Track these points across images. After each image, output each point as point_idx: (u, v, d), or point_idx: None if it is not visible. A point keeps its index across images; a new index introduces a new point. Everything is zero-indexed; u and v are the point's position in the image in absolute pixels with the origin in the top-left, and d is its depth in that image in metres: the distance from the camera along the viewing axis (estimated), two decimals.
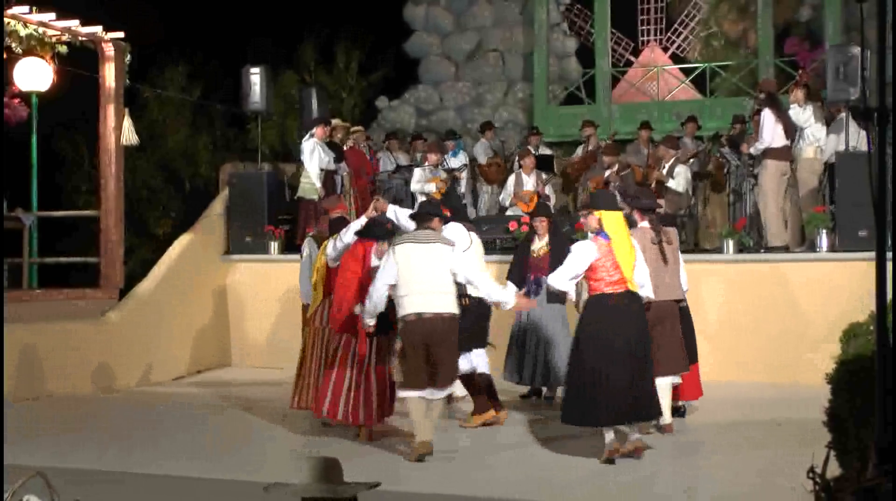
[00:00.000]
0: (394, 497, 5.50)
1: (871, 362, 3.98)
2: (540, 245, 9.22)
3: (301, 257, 9.12)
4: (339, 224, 8.23)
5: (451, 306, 6.97)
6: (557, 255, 8.95)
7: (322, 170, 12.33)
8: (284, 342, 10.72)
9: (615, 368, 6.67)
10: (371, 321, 7.13)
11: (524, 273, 9.12)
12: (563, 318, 9.13)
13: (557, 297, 8.40)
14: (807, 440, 5.11)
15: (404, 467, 6.87)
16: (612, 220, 6.90)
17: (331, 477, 3.90)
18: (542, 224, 9.22)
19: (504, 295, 7.36)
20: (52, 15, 11.10)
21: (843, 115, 11.26)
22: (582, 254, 6.86)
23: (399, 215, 7.99)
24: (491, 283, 7.33)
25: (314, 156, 12.20)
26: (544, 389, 9.52)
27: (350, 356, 7.47)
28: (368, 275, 7.27)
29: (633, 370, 6.72)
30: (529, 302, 8.07)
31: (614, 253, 6.78)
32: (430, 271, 6.92)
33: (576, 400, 6.83)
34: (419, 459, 6.89)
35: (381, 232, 7.47)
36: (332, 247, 7.93)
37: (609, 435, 6.77)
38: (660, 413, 7.19)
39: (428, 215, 7.27)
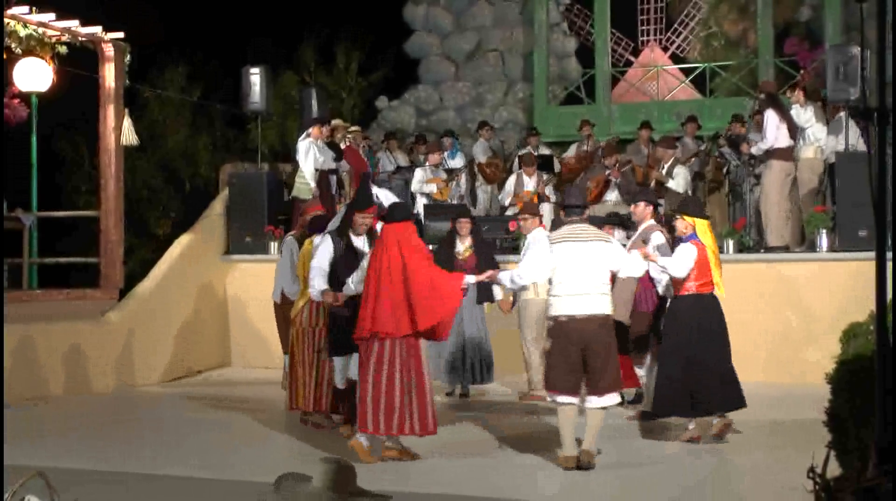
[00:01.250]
0: (401, 498, 5.49)
1: (871, 362, 3.97)
2: (464, 247, 9.35)
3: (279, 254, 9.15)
4: (318, 223, 8.16)
5: (605, 308, 6.71)
6: (482, 256, 9.24)
7: (317, 170, 12.32)
8: None
9: (707, 362, 7.21)
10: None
11: None
12: (483, 318, 9.61)
13: (486, 297, 8.99)
14: (807, 439, 5.10)
15: (408, 467, 6.85)
16: (702, 226, 7.45)
17: (342, 485, 3.85)
18: (464, 225, 9.33)
19: None
20: (52, 15, 11.08)
21: (842, 115, 11.26)
22: (689, 256, 7.24)
23: (380, 195, 7.99)
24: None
25: (309, 156, 12.18)
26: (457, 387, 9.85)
27: (405, 363, 6.73)
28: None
29: (719, 363, 7.28)
30: None
31: (707, 257, 7.30)
32: (587, 272, 6.67)
33: (669, 392, 7.24)
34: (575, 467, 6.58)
35: (406, 214, 7.13)
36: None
37: (693, 423, 7.35)
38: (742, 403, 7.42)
39: (578, 207, 7.00)
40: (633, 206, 8.79)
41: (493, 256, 9.68)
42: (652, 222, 8.54)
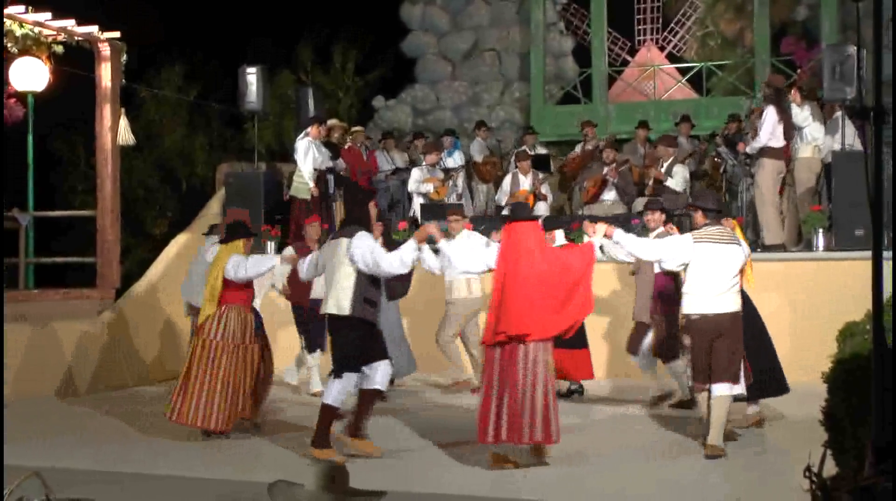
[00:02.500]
0: (401, 498, 5.49)
1: (868, 361, 3.96)
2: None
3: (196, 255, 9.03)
4: (236, 230, 7.88)
5: (735, 305, 7.04)
6: None
7: (315, 169, 12.32)
8: (281, 341, 10.70)
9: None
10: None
11: None
12: (398, 311, 9.79)
13: (402, 293, 9.11)
14: (803, 439, 5.10)
15: (405, 467, 6.86)
16: (738, 229, 7.74)
17: (336, 485, 3.86)
18: (377, 228, 9.48)
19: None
20: (48, 14, 11.09)
21: (839, 114, 11.27)
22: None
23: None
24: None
25: (308, 155, 12.19)
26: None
27: (531, 367, 6.54)
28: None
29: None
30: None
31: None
32: (723, 273, 6.95)
33: (772, 376, 7.93)
34: (709, 458, 6.86)
35: (529, 213, 7.17)
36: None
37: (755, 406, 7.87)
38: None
39: (714, 210, 7.21)
40: (648, 213, 8.92)
41: None
42: (662, 228, 8.72)
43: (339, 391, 6.96)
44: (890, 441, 3.53)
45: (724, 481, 6.48)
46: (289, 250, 7.79)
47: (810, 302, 10.24)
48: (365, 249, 6.86)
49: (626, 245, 7.12)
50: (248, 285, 7.85)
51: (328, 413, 6.98)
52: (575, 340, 8.85)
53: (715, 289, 6.91)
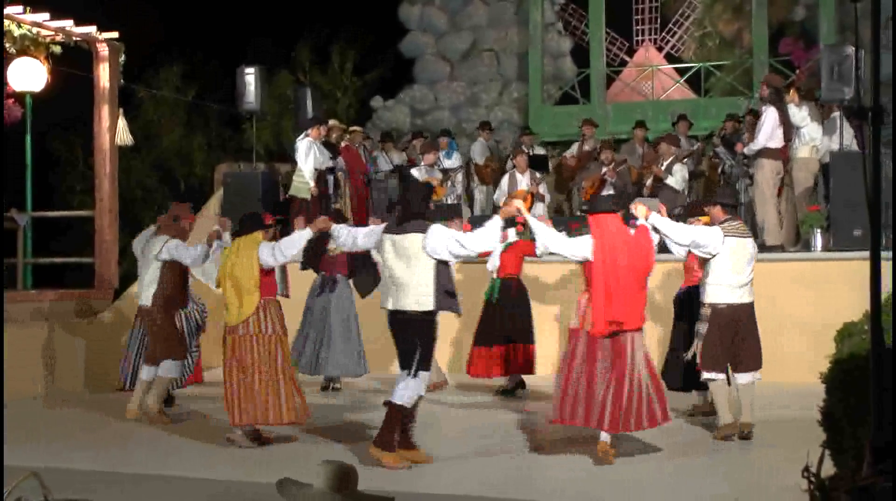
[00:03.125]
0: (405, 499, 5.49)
1: (866, 361, 3.92)
2: (334, 245, 9.31)
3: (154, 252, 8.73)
4: (252, 222, 7.71)
5: (751, 296, 7.53)
6: (352, 253, 9.26)
7: (316, 169, 12.32)
8: None
9: None
10: None
11: (318, 270, 9.86)
12: (353, 305, 9.89)
13: (372, 287, 9.09)
14: (801, 439, 5.10)
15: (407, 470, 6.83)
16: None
17: (344, 486, 3.84)
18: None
19: None
20: (46, 15, 11.08)
21: (837, 114, 11.27)
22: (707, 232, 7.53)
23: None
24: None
25: (310, 155, 12.19)
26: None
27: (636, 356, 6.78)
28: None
29: None
30: None
31: None
32: (744, 265, 7.44)
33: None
34: (724, 438, 7.38)
35: (611, 205, 7.11)
36: (272, 252, 7.47)
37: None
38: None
39: (733, 205, 7.79)
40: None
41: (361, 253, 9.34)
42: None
43: (414, 390, 6.76)
44: (888, 441, 3.52)
45: (722, 481, 6.47)
46: (320, 219, 7.65)
47: (808, 302, 10.23)
48: (445, 237, 6.72)
49: (664, 228, 7.21)
50: (271, 274, 7.66)
51: (398, 414, 6.75)
52: (526, 335, 9.55)
53: (738, 280, 7.38)
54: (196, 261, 8.48)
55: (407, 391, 6.72)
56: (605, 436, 6.79)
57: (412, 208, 6.87)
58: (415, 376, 6.71)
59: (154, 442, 7.83)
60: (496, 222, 6.82)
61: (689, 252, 7.76)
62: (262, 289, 7.44)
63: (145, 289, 8.80)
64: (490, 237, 6.85)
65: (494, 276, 9.71)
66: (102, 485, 6.35)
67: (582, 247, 6.81)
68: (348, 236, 7.20)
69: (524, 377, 9.82)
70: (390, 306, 6.78)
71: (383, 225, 6.98)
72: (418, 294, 6.67)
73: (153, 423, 8.48)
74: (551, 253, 7.64)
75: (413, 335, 6.73)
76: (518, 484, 6.42)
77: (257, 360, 7.39)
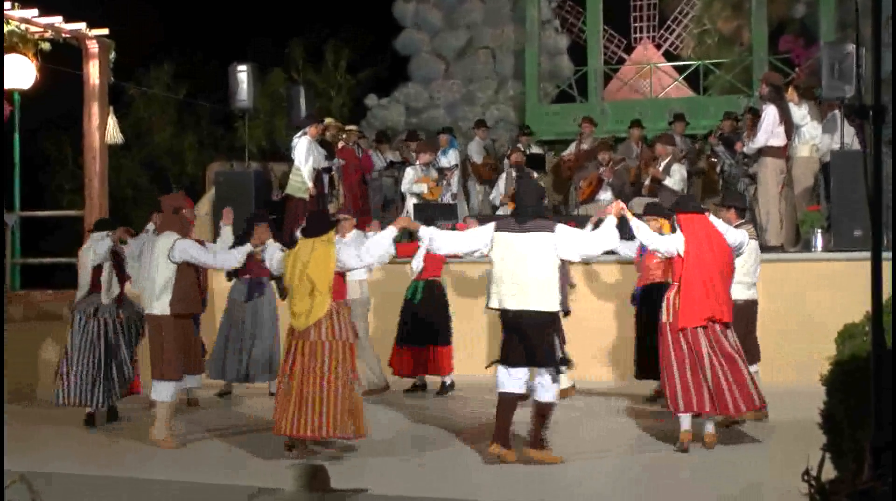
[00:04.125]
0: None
1: (867, 362, 3.94)
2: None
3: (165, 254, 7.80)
4: (322, 221, 7.50)
5: (757, 293, 8.41)
6: None
7: (314, 169, 12.23)
8: None
9: None
10: None
11: (240, 274, 9.76)
12: (276, 318, 9.88)
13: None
14: (802, 441, 5.02)
15: (401, 469, 6.81)
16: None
17: (317, 485, 3.85)
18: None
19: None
20: (35, 11, 10.97)
21: (836, 113, 11.17)
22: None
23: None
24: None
25: (309, 155, 12.10)
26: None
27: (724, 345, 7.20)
28: None
29: None
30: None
31: None
32: (756, 265, 8.32)
33: None
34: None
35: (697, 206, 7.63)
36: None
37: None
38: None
39: (744, 209, 8.49)
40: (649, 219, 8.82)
41: None
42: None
43: (557, 387, 6.97)
44: (888, 442, 3.52)
45: (722, 484, 6.43)
46: (403, 218, 7.52)
47: (808, 304, 10.15)
48: (574, 236, 6.89)
49: (637, 232, 7.37)
50: (341, 276, 7.35)
51: (549, 411, 6.91)
52: (444, 337, 9.86)
53: (750, 279, 8.25)
54: (226, 263, 8.11)
55: (554, 388, 6.89)
56: (709, 427, 7.23)
57: (530, 207, 6.91)
58: (559, 372, 6.91)
59: (144, 446, 7.72)
60: (611, 221, 6.99)
61: (648, 252, 8.23)
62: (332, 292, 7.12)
63: (158, 296, 7.78)
64: (612, 237, 7.00)
65: (414, 278, 9.91)
66: (92, 489, 6.37)
67: (675, 243, 7.22)
68: (445, 239, 7.22)
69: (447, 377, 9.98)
70: (513, 307, 6.77)
71: (490, 225, 7.02)
72: (545, 294, 6.74)
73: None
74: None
75: (548, 334, 6.77)
76: (507, 486, 6.29)
77: (330, 367, 6.99)
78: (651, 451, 7.23)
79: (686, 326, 7.06)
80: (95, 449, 7.72)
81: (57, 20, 11.16)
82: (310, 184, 12.13)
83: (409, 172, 12.92)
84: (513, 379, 6.79)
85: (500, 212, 12.70)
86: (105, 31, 11.40)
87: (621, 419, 8.49)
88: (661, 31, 19.61)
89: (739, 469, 6.79)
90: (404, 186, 12.93)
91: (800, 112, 11.25)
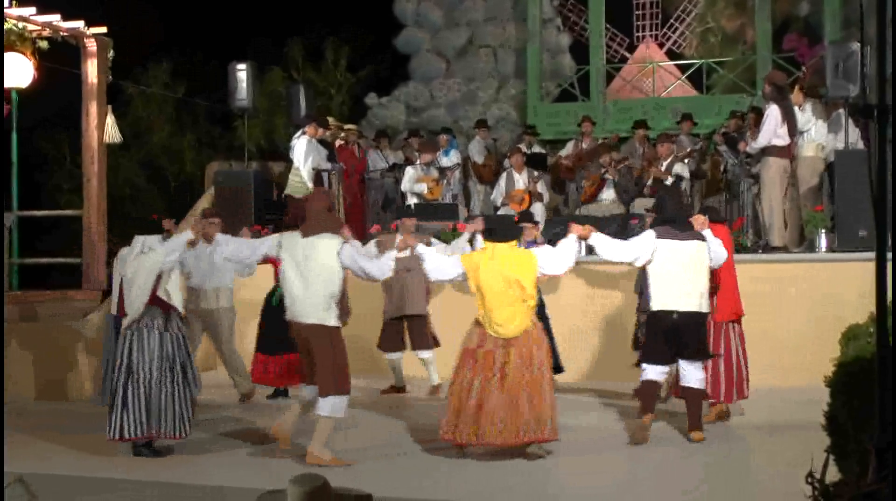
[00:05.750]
0: None
1: (871, 364, 3.98)
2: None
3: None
4: (511, 228, 7.75)
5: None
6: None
7: (314, 168, 12.18)
8: None
9: None
10: None
11: None
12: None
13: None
14: (805, 443, 4.97)
15: (401, 470, 6.76)
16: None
17: (322, 495, 3.80)
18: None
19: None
20: (33, 9, 10.92)
21: (841, 112, 11.10)
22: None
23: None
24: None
25: (309, 155, 12.05)
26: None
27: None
28: None
29: None
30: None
31: None
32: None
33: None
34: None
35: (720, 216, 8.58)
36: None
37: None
38: None
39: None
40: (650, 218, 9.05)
41: None
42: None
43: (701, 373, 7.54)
44: (892, 443, 3.51)
45: (725, 486, 6.40)
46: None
47: (812, 304, 10.08)
48: (718, 242, 7.58)
49: (599, 248, 7.65)
50: None
51: (702, 397, 7.58)
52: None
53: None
54: (382, 272, 7.28)
55: (699, 375, 7.49)
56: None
57: (669, 212, 7.59)
58: (701, 362, 7.55)
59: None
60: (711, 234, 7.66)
61: None
62: None
63: (327, 305, 6.91)
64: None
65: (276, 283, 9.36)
66: (89, 490, 6.36)
67: (637, 250, 7.53)
68: (614, 247, 7.61)
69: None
70: (672, 308, 7.39)
71: (650, 232, 7.50)
72: (698, 297, 7.41)
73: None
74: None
75: (696, 331, 7.46)
76: (505, 489, 6.24)
77: (534, 373, 6.89)
78: (651, 452, 7.18)
79: (719, 319, 7.96)
80: (95, 450, 7.65)
81: (55, 18, 11.11)
82: (310, 184, 12.09)
83: (410, 172, 12.87)
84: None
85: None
86: (103, 30, 11.35)
87: (619, 421, 8.43)
88: (664, 30, 19.56)
89: (743, 471, 6.76)
90: (405, 186, 12.88)
91: (804, 117, 11.19)
